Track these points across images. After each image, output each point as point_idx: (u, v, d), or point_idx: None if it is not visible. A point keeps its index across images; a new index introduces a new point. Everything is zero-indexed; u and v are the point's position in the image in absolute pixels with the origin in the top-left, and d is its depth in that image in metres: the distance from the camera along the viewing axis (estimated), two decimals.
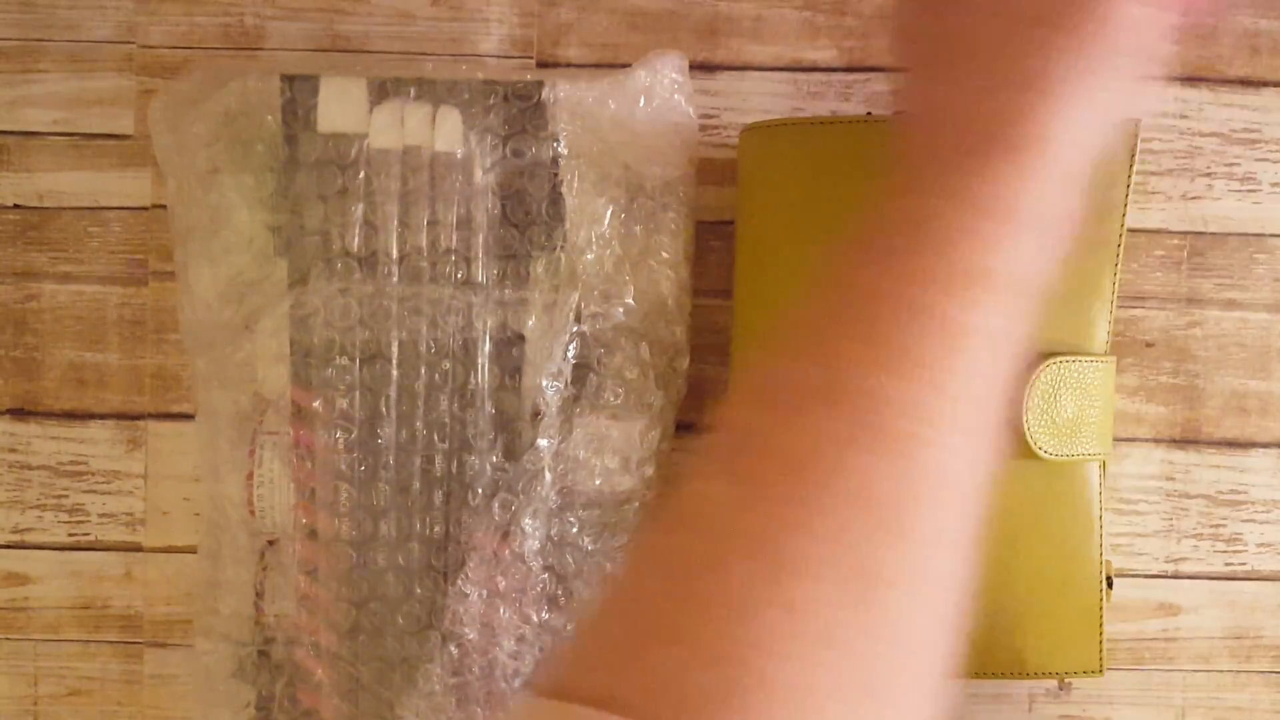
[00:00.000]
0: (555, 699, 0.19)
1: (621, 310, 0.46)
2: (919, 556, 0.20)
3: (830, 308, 0.23)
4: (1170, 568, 0.50)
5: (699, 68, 0.50)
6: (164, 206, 0.50)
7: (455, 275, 0.45)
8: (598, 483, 0.46)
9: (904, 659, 0.19)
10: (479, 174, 0.45)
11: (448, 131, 0.45)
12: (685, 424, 0.48)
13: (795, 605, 0.19)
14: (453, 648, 0.45)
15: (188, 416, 0.50)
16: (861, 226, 0.24)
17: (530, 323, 0.45)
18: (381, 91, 0.45)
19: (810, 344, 0.23)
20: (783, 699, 0.18)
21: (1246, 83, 0.50)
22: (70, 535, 0.51)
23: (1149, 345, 0.50)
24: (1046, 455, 0.44)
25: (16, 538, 0.51)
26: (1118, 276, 0.44)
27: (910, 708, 0.19)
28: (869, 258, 0.24)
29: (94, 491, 0.51)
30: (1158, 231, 0.50)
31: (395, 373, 0.45)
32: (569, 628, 0.45)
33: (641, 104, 0.46)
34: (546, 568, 0.45)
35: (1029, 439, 0.43)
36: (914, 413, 0.21)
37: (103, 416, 0.51)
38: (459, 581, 0.45)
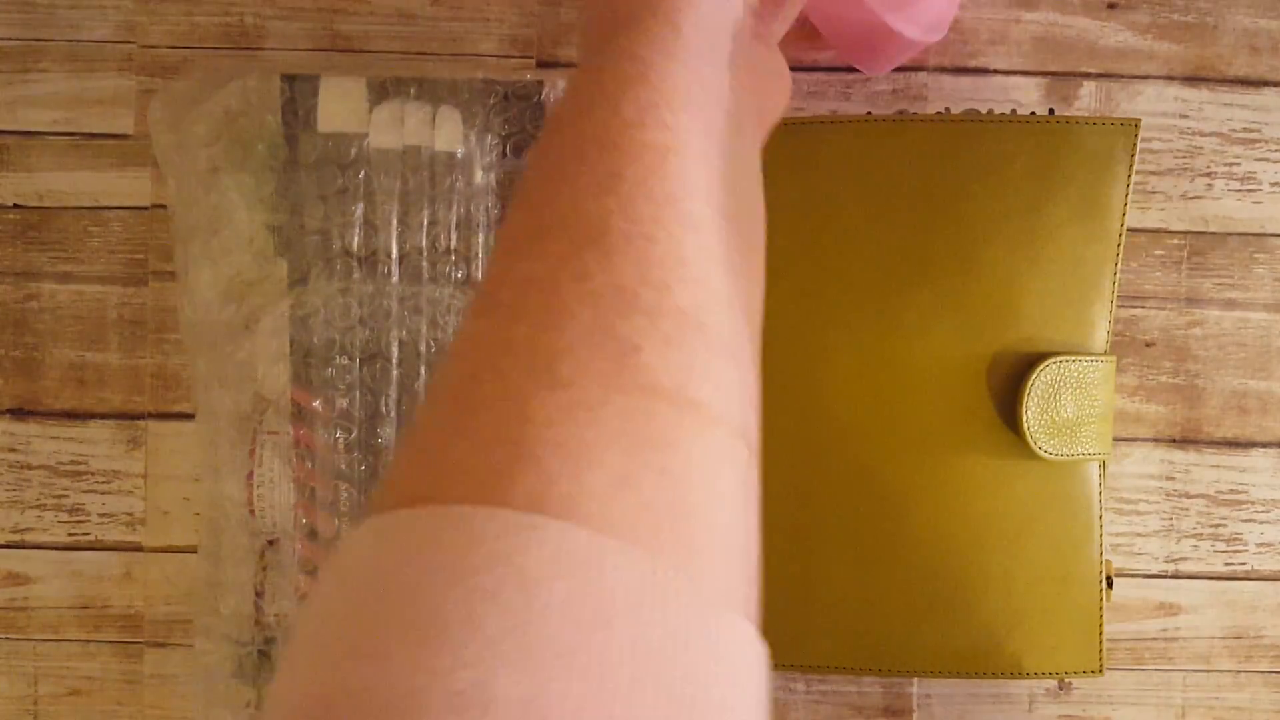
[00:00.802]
0: (367, 516, 0.21)
1: None
2: (655, 323, 0.23)
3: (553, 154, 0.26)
4: (1170, 568, 0.50)
5: None
6: (164, 206, 0.50)
7: (455, 275, 0.45)
8: None
9: (669, 413, 0.22)
10: (479, 174, 0.45)
11: (448, 131, 0.45)
12: None
13: (567, 381, 0.21)
14: None
15: (188, 416, 0.50)
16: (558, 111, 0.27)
17: None
18: (381, 91, 0.45)
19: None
20: (560, 461, 0.20)
21: (1246, 83, 0.50)
22: (70, 535, 0.51)
23: (1149, 345, 0.50)
24: (1046, 455, 0.44)
25: (16, 538, 0.51)
26: (1118, 276, 0.44)
27: (683, 454, 0.22)
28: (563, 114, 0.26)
29: (94, 491, 0.51)
30: (1158, 231, 0.50)
31: (395, 372, 0.45)
32: None
33: None
34: None
35: (1029, 439, 0.43)
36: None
37: (103, 416, 0.51)
38: None
